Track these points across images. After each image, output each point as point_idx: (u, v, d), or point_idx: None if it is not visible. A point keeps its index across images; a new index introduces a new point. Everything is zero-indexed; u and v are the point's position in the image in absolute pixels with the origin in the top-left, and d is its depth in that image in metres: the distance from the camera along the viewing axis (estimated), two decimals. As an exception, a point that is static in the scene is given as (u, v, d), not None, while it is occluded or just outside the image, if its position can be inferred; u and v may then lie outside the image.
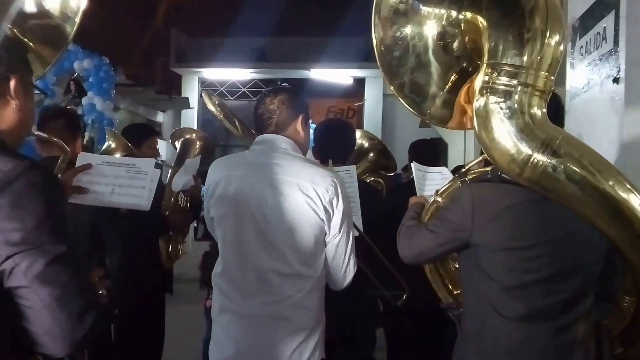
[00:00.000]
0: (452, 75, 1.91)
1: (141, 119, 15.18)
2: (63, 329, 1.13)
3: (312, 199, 1.91)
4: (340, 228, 1.96)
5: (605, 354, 1.86)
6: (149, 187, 2.25)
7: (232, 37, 12.91)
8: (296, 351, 1.92)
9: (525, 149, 1.64)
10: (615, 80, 3.08)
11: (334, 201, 1.93)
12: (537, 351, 1.77)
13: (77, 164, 2.10)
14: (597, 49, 3.34)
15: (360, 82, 13.41)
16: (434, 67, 1.99)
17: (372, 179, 3.76)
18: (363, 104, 13.39)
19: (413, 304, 2.69)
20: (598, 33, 3.31)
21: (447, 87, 1.93)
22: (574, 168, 1.63)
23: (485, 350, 1.84)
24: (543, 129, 1.65)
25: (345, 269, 2.02)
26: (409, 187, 2.66)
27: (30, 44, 1.74)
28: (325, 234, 1.95)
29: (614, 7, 3.10)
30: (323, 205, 1.91)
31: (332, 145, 2.83)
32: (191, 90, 14.62)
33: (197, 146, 3.60)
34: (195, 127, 13.68)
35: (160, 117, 16.64)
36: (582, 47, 3.67)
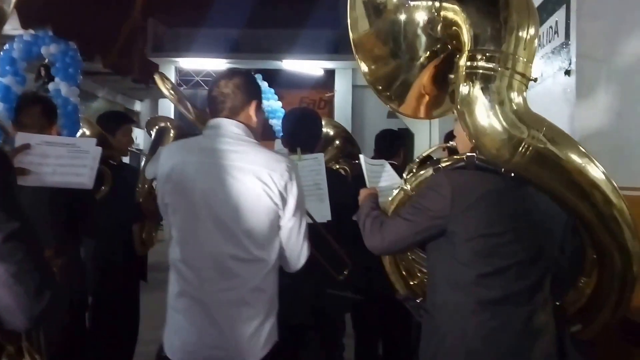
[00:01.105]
0: (420, 60, 1.90)
1: (119, 107, 14.97)
2: (21, 305, 1.11)
3: (268, 185, 1.88)
4: (294, 212, 1.95)
5: (565, 333, 1.90)
6: (90, 165, 2.22)
7: (208, 27, 12.77)
8: (255, 334, 1.91)
9: (517, 134, 1.63)
10: (567, 73, 3.13)
11: (289, 186, 1.92)
12: (514, 334, 1.77)
13: (16, 144, 2.04)
14: (549, 42, 3.39)
15: (330, 74, 13.39)
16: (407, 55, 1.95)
17: (337, 166, 3.77)
18: (333, 95, 13.39)
19: (378, 291, 2.73)
20: (550, 27, 3.35)
21: (413, 71, 1.92)
22: (559, 153, 1.64)
23: (463, 339, 1.81)
24: (529, 114, 1.66)
25: (300, 251, 2.02)
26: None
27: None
28: (280, 218, 1.93)
29: (565, 1, 3.15)
30: (278, 190, 1.89)
31: (300, 134, 2.82)
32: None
33: (172, 134, 3.57)
34: (172, 116, 13.53)
35: (137, 106, 16.43)
36: (536, 40, 3.72)
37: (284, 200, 1.92)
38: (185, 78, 14.26)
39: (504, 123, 1.64)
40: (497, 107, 1.64)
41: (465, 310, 1.81)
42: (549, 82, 3.44)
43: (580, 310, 1.92)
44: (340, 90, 13.28)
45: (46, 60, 8.03)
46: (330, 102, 13.96)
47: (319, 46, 12.36)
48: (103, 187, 3.01)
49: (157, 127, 3.66)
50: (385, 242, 1.97)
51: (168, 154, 2.03)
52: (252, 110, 2.02)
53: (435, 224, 1.86)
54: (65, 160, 2.15)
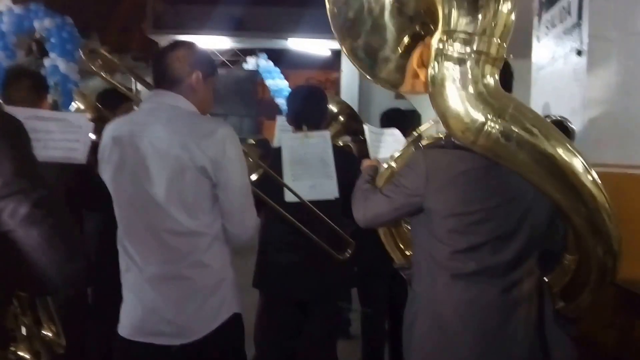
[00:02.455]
0: (405, 38, 1.92)
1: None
2: (55, 267, 1.17)
3: (195, 155, 1.91)
4: (229, 180, 1.97)
5: (546, 308, 1.98)
6: (83, 140, 2.27)
7: (210, 4, 12.72)
8: (199, 309, 1.96)
9: (479, 117, 1.67)
10: (579, 53, 3.18)
11: (223, 154, 1.94)
12: (484, 307, 1.89)
13: None
14: (561, 22, 3.43)
15: (337, 54, 13.39)
16: (388, 30, 1.96)
17: (341, 142, 3.83)
18: (340, 76, 13.41)
19: (385, 266, 2.81)
20: (563, 7, 3.40)
21: (399, 50, 1.94)
22: (526, 135, 1.68)
23: (435, 309, 1.94)
24: (496, 96, 1.70)
25: (241, 221, 2.04)
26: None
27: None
28: (214, 187, 1.96)
29: (578, -18, 3.18)
30: (209, 159, 1.92)
31: (306, 112, 2.90)
32: (168, 58, 14.44)
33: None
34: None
35: (137, 84, 16.46)
36: (547, 21, 3.76)
37: (216, 169, 1.94)
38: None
39: (468, 106, 1.68)
40: (462, 89, 1.68)
41: (439, 283, 1.93)
42: (560, 63, 3.49)
43: (564, 287, 1.99)
44: (347, 70, 13.27)
45: (38, 35, 7.97)
46: (336, 83, 13.98)
47: (325, 26, 12.21)
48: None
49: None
50: (367, 216, 2.08)
51: (107, 129, 2.07)
52: (193, 80, 2.02)
53: (411, 201, 1.96)
54: (56, 135, 2.18)
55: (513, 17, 1.71)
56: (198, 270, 1.95)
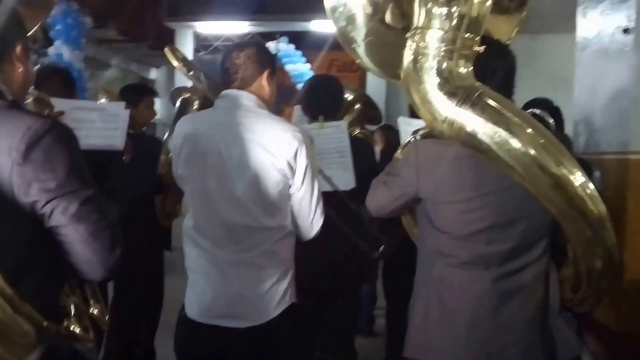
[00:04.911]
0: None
1: (133, 76, 15.20)
2: (99, 258, 1.41)
3: (275, 155, 2.11)
4: (303, 181, 2.17)
5: (551, 300, 2.05)
6: (121, 128, 2.55)
7: (228, -13, 12.75)
8: (267, 294, 2.16)
9: (442, 108, 1.84)
10: (626, 31, 3.15)
11: (297, 155, 2.13)
12: (474, 294, 2.02)
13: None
14: (609, -3, 3.38)
15: (364, 34, 13.37)
16: (390, 31, 2.19)
17: (357, 131, 3.88)
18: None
19: (410, 262, 2.85)
20: (611, -20, 3.35)
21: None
22: (488, 125, 1.81)
23: (429, 292, 2.11)
24: (460, 87, 1.84)
25: (312, 220, 2.24)
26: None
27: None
28: (290, 186, 2.16)
29: (629, -47, 3.14)
30: (286, 160, 2.12)
31: (322, 101, 3.02)
32: (185, 45, 14.46)
33: (196, 105, 3.72)
34: (189, 84, 13.70)
35: (153, 74, 16.65)
36: (594, -6, 3.70)
37: (292, 169, 2.14)
38: (203, 43, 14.37)
39: (434, 97, 1.85)
40: (430, 81, 1.86)
41: (435, 270, 2.09)
42: (606, 41, 3.45)
43: (572, 279, 2.11)
44: (374, 52, 13.23)
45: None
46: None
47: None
48: (124, 157, 3.17)
49: (181, 97, 3.80)
50: (374, 206, 2.25)
51: (181, 125, 2.30)
52: (264, 80, 2.23)
53: (406, 191, 2.12)
54: (97, 124, 2.43)
55: (488, 4, 1.86)
56: (268, 258, 2.15)
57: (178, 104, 3.75)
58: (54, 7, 1.99)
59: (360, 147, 2.99)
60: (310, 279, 2.85)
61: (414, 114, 3.77)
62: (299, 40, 13.20)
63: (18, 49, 1.50)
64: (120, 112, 2.53)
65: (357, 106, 3.88)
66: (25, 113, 1.44)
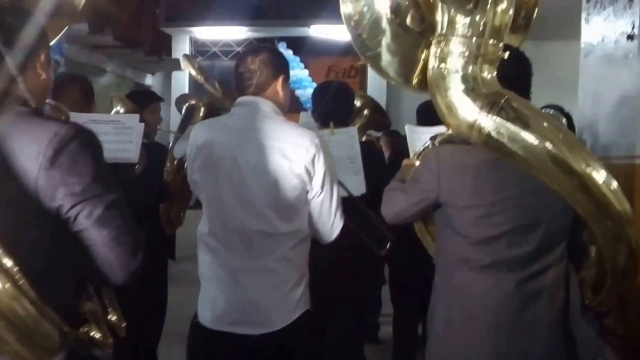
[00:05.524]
0: (424, 45, 2.11)
1: (129, 82, 15.24)
2: (121, 262, 1.44)
3: (292, 161, 2.12)
4: (322, 186, 2.18)
5: (572, 302, 2.11)
6: (136, 140, 2.55)
7: (225, -7, 12.83)
8: (281, 300, 2.17)
9: (470, 114, 1.88)
10: (630, 37, 3.21)
11: (315, 160, 2.14)
12: (499, 299, 2.04)
13: None
14: (612, 4, 3.45)
15: (363, 39, 13.42)
16: (407, 37, 2.18)
17: (364, 137, 3.93)
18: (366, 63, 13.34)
19: (418, 267, 2.90)
20: (614, -13, 3.41)
21: (423, 56, 2.14)
22: (516, 129, 1.85)
23: (452, 301, 2.13)
24: (487, 93, 1.88)
25: (332, 223, 2.26)
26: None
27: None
28: (308, 192, 2.17)
29: (631, -40, 3.21)
30: (304, 165, 2.13)
31: (333, 108, 3.03)
32: (182, 51, 14.54)
33: (201, 112, 3.76)
34: (186, 89, 13.74)
35: (149, 80, 16.72)
36: (597, 1, 3.78)
37: (310, 175, 2.15)
38: (201, 49, 14.45)
39: (461, 103, 1.89)
40: (456, 87, 1.90)
41: (456, 275, 2.10)
42: (610, 47, 3.51)
43: (593, 280, 2.14)
44: (374, 57, 13.28)
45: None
46: (361, 70, 13.95)
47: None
48: (137, 166, 3.20)
49: (186, 104, 3.85)
50: (391, 213, 2.27)
51: (197, 132, 2.30)
52: (279, 85, 2.24)
53: (426, 196, 2.15)
54: (111, 136, 2.45)
55: (510, 13, 1.91)
56: (283, 264, 2.16)
57: (184, 110, 3.82)
58: (76, 17, 2.02)
59: (369, 153, 3.03)
60: (317, 282, 2.93)
61: (420, 120, 3.86)
62: (298, 45, 13.27)
63: (42, 57, 1.54)
64: (135, 124, 2.57)
65: (366, 112, 3.93)
66: (50, 119, 1.48)
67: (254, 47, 2.34)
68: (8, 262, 1.28)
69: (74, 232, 1.42)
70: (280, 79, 2.23)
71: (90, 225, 1.40)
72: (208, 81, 3.17)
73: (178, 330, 3.39)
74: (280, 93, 2.24)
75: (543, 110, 2.87)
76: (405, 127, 2.87)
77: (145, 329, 3.66)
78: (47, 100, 2.24)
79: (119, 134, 2.49)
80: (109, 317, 1.73)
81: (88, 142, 1.45)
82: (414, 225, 2.47)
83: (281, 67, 2.26)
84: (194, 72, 3.24)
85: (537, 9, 2.37)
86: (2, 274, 1.27)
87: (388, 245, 2.93)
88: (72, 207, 1.38)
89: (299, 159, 2.11)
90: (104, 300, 1.73)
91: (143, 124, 2.60)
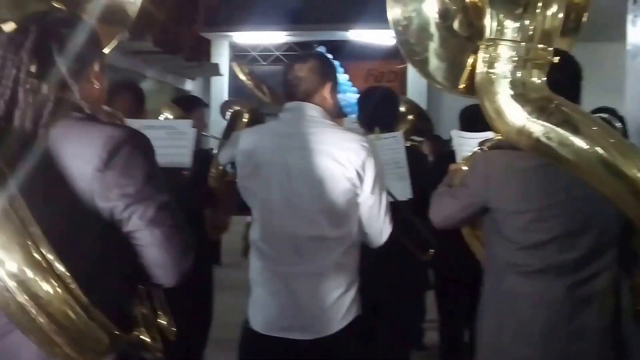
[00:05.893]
0: (472, 50, 2.14)
1: (169, 87, 15.43)
2: (173, 261, 1.47)
3: (344, 165, 2.15)
4: (372, 190, 2.21)
5: (624, 309, 2.10)
6: (189, 145, 2.60)
7: (265, -3, 12.94)
8: (333, 306, 2.20)
9: (519, 119, 1.89)
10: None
11: (365, 164, 2.17)
12: (550, 304, 2.04)
13: None
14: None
15: (402, 43, 13.37)
16: (455, 42, 2.23)
17: (408, 143, 3.96)
18: (406, 67, 13.28)
19: (465, 273, 2.91)
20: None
21: (470, 61, 2.17)
22: (566, 134, 1.86)
23: (501, 306, 2.13)
24: (536, 98, 1.90)
25: (382, 228, 2.28)
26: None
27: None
28: (358, 196, 2.20)
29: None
30: (355, 169, 2.16)
31: (378, 114, 3.07)
32: (221, 56, 14.81)
33: (245, 119, 3.82)
34: (225, 94, 13.90)
35: (189, 85, 16.87)
36: (644, 2, 3.74)
37: (361, 179, 2.17)
38: (240, 54, 14.60)
39: (510, 107, 1.91)
40: (505, 92, 1.91)
41: (505, 280, 2.10)
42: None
43: None
44: (414, 61, 13.23)
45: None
46: (401, 75, 13.93)
47: (389, 12, 12.30)
48: (184, 172, 3.28)
49: (230, 111, 3.93)
50: (439, 218, 2.29)
51: (246, 138, 2.35)
52: (326, 92, 2.27)
53: (474, 201, 2.16)
54: (165, 142, 2.50)
55: (560, 17, 1.93)
56: (334, 269, 2.19)
57: (228, 117, 3.90)
58: (129, 24, 2.08)
59: (413, 158, 3.04)
60: (363, 288, 2.96)
61: (462, 125, 3.87)
62: (337, 49, 13.31)
63: (96, 66, 1.59)
64: (188, 129, 2.62)
65: (410, 117, 3.96)
66: (105, 123, 1.52)
67: (302, 54, 2.39)
68: (60, 267, 1.32)
69: (126, 233, 1.45)
70: (328, 86, 2.26)
71: (144, 226, 1.43)
72: (257, 87, 3.23)
73: (223, 336, 3.46)
74: (328, 100, 2.27)
75: (596, 114, 2.84)
76: (452, 132, 2.89)
77: (192, 334, 3.72)
78: (102, 107, 2.35)
79: (173, 139, 2.53)
80: (159, 321, 1.76)
81: (141, 144, 1.49)
82: (462, 230, 2.48)
83: (329, 74, 2.30)
84: (244, 78, 3.31)
85: (586, 12, 2.35)
86: (54, 278, 1.31)
87: (431, 251, 2.96)
88: (126, 208, 1.42)
89: (350, 162, 2.14)
90: (155, 304, 1.76)
91: (195, 130, 2.64)
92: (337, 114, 2.41)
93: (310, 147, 2.16)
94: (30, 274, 1.30)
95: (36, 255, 1.31)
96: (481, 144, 2.33)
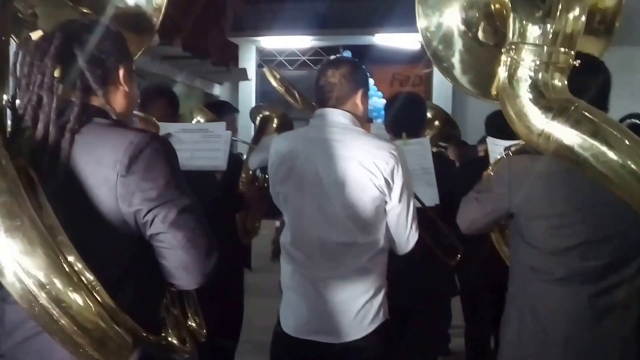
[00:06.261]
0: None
1: (197, 92, 15.60)
2: (196, 264, 1.48)
3: (373, 173, 2.16)
4: (400, 198, 2.22)
5: None
6: (223, 148, 2.62)
7: (291, 2, 13.01)
8: (362, 310, 2.22)
9: (539, 122, 1.89)
10: None
11: (394, 172, 2.18)
12: (570, 310, 2.03)
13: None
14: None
15: (427, 47, 13.32)
16: (482, 50, 2.26)
17: (435, 149, 3.96)
18: (431, 71, 13.24)
19: (491, 279, 2.91)
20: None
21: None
22: (585, 138, 1.85)
23: (523, 309, 2.12)
24: (556, 101, 1.89)
25: (408, 235, 2.29)
26: (485, 161, 2.85)
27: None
28: (386, 203, 2.21)
29: None
30: (384, 177, 2.16)
31: (406, 119, 3.07)
32: (248, 61, 14.90)
33: (275, 123, 3.85)
34: (253, 99, 13.99)
35: (217, 90, 17.04)
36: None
37: (389, 186, 2.18)
38: (267, 58, 14.69)
39: (530, 111, 1.91)
40: (525, 97, 1.92)
41: (529, 286, 2.10)
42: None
43: None
44: (440, 66, 13.18)
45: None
46: (426, 79, 13.89)
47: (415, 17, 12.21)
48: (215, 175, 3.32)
49: (260, 115, 3.97)
50: (465, 223, 2.30)
51: (278, 144, 2.37)
52: (358, 99, 2.28)
53: (498, 206, 2.17)
54: (200, 145, 2.53)
55: (582, 20, 1.92)
56: (362, 274, 2.22)
57: (257, 122, 3.94)
58: (155, 33, 2.09)
59: (440, 163, 3.05)
60: (390, 293, 2.97)
61: (489, 131, 3.86)
62: (362, 54, 13.31)
63: (122, 72, 1.60)
64: (222, 132, 2.64)
65: (436, 123, 3.96)
66: (128, 129, 1.52)
67: (334, 60, 2.36)
68: (88, 274, 1.35)
69: (150, 236, 1.47)
70: (360, 93, 2.27)
71: (166, 229, 1.44)
72: (289, 92, 3.24)
73: (253, 338, 3.50)
74: (360, 106, 2.29)
75: (628, 119, 2.81)
76: (487, 139, 2.88)
77: (223, 337, 3.75)
78: (135, 112, 2.37)
79: (208, 142, 2.56)
80: (189, 323, 1.79)
81: (161, 148, 1.50)
82: (491, 235, 2.49)
83: (361, 81, 2.31)
84: (275, 84, 3.32)
85: (619, 15, 2.35)
86: (81, 285, 1.34)
87: (459, 256, 2.96)
88: (148, 212, 1.44)
89: (379, 170, 2.15)
90: (186, 306, 1.79)
91: (230, 132, 2.66)
92: (366, 120, 2.42)
93: (340, 154, 2.18)
94: (56, 282, 1.33)
95: (63, 263, 1.34)
96: (507, 149, 2.34)
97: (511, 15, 1.97)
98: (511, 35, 1.97)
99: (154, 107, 2.81)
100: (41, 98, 1.47)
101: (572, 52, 1.92)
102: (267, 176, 3.67)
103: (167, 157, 1.51)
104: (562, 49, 1.90)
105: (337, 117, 2.25)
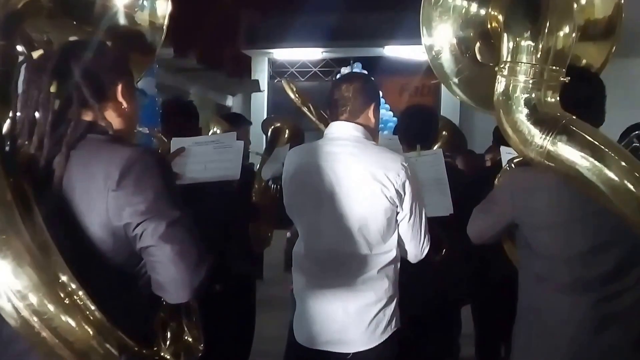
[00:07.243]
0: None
1: (211, 103, 15.63)
2: (184, 278, 1.45)
3: (384, 185, 2.16)
4: (412, 208, 2.23)
5: None
6: (236, 158, 2.58)
7: (303, 15, 13.05)
8: (374, 320, 2.20)
9: (530, 137, 1.94)
10: None
11: (406, 184, 2.19)
12: (576, 318, 2.01)
13: (172, 150, 2.42)
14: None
15: (437, 58, 13.33)
16: (482, 69, 2.28)
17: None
18: (439, 82, 13.20)
19: (501, 287, 2.87)
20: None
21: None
22: (574, 152, 1.89)
23: (531, 317, 2.12)
24: (547, 117, 1.94)
25: (422, 245, 2.30)
26: (494, 170, 2.83)
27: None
28: (398, 214, 2.22)
29: None
30: (395, 188, 2.17)
31: (419, 131, 3.05)
32: (261, 72, 14.96)
33: (287, 134, 3.84)
34: (265, 111, 14.03)
35: (229, 101, 17.08)
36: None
37: (400, 197, 2.18)
38: (279, 70, 14.74)
39: (521, 125, 1.96)
40: (518, 112, 1.97)
41: (535, 294, 2.10)
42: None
43: None
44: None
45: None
46: (434, 90, 13.88)
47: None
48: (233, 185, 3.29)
49: (272, 127, 3.96)
50: (475, 233, 2.29)
51: (291, 157, 2.38)
52: (370, 112, 2.29)
53: (502, 218, 2.17)
54: (213, 156, 2.52)
55: (573, 36, 1.98)
56: (375, 284, 2.21)
57: (269, 133, 3.93)
58: (156, 53, 2.05)
59: (452, 174, 2.98)
60: (401, 302, 2.95)
61: (502, 140, 3.84)
62: (373, 65, 13.32)
63: (120, 87, 1.58)
64: (233, 142, 2.62)
65: (444, 133, 3.94)
66: (121, 144, 1.50)
67: (349, 75, 2.40)
68: (79, 292, 1.35)
69: (140, 250, 1.45)
70: (372, 107, 2.29)
71: (155, 242, 1.42)
72: (305, 104, 3.24)
73: (264, 349, 3.47)
74: (372, 120, 2.30)
75: (635, 132, 2.78)
76: (501, 148, 2.88)
77: (234, 348, 3.72)
78: (139, 129, 2.34)
79: (220, 153, 2.54)
80: (185, 338, 1.73)
81: (152, 163, 1.48)
82: (504, 244, 2.43)
83: (373, 95, 2.33)
84: (293, 96, 3.32)
85: (619, 26, 2.33)
86: (67, 298, 1.34)
87: (444, 251, 2.94)
88: (137, 225, 1.42)
89: (390, 182, 2.16)
90: (183, 319, 1.74)
91: (242, 142, 2.65)
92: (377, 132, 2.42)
93: (353, 166, 2.18)
94: (40, 293, 1.33)
95: (52, 280, 1.34)
96: (510, 160, 2.33)
97: (504, 34, 2.01)
98: (505, 54, 2.00)
99: (174, 121, 2.81)
100: (36, 113, 1.46)
101: (563, 70, 1.96)
102: (279, 187, 3.71)
103: (158, 170, 1.49)
104: (553, 67, 1.94)
105: (350, 130, 2.25)
